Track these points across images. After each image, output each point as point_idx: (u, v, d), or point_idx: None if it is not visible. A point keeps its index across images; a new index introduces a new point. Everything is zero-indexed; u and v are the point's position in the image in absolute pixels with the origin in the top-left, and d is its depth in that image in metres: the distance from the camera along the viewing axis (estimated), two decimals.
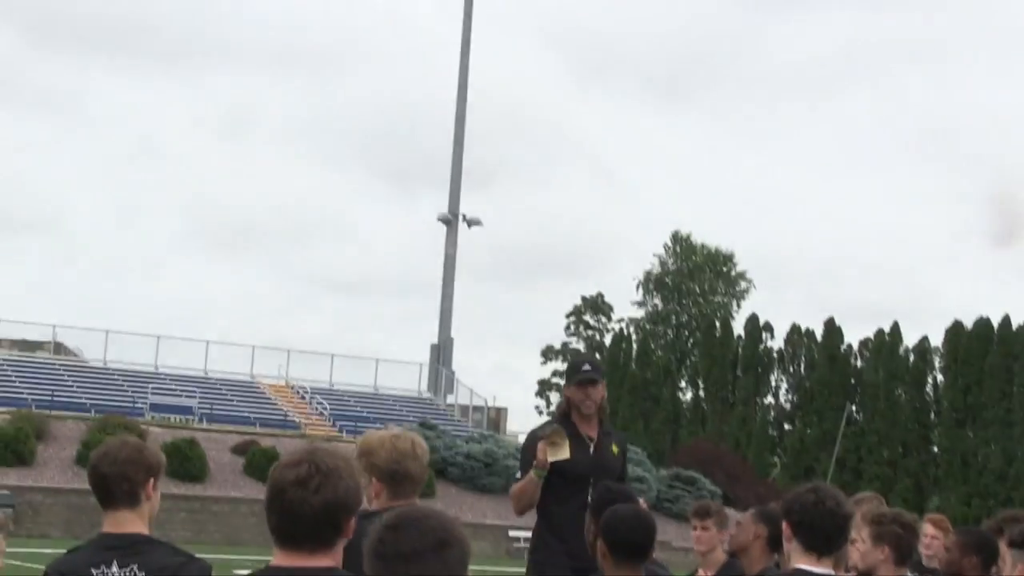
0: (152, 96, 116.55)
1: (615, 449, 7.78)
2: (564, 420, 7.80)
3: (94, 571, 4.54)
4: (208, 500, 37.78)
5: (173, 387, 50.74)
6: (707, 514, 7.52)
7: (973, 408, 64.25)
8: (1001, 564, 6.82)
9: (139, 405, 47.26)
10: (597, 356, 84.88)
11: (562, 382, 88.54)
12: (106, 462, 4.69)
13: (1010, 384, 63.33)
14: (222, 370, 54.77)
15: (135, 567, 4.55)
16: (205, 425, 46.42)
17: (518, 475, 7.90)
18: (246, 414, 49.86)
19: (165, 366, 53.19)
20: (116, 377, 51.28)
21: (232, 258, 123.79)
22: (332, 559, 3.46)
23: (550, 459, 7.41)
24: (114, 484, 4.65)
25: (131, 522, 4.66)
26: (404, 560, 2.99)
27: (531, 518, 7.81)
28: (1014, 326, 64.33)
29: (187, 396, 49.44)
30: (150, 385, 49.80)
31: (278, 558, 3.58)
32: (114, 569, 4.55)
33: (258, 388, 54.35)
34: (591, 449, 7.65)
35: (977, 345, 64.64)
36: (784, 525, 5.13)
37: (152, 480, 4.72)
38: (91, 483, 4.73)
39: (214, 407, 49.29)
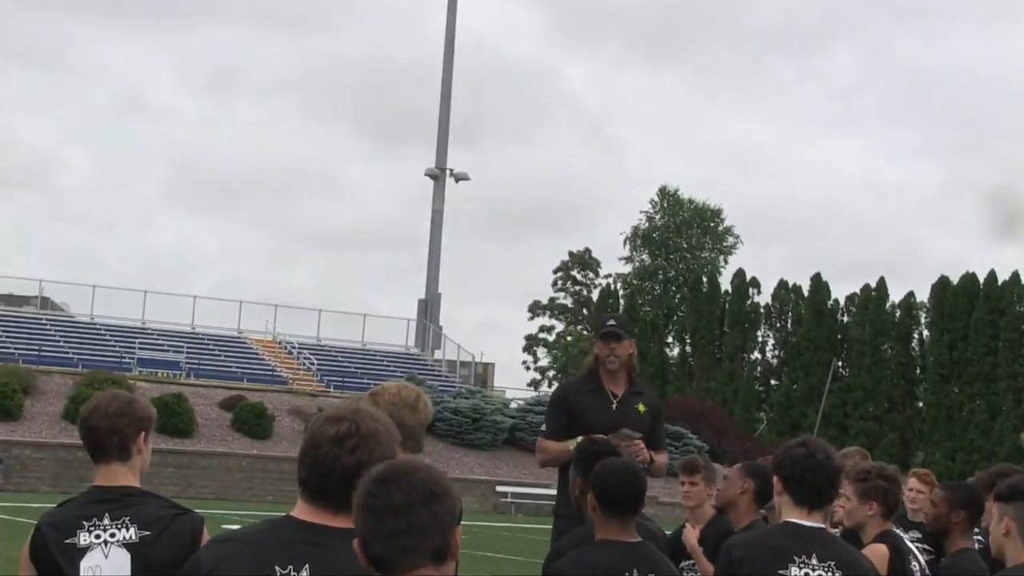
0: (139, 51, 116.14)
1: (641, 407, 7.78)
2: (591, 376, 7.88)
3: (86, 523, 4.54)
4: (196, 455, 37.85)
5: (160, 342, 50.73)
6: (695, 470, 7.54)
7: (959, 363, 64.49)
8: (987, 518, 6.86)
9: (126, 360, 47.24)
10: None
11: (550, 338, 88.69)
12: (96, 415, 4.68)
13: (995, 339, 63.55)
14: (209, 325, 54.77)
15: (127, 519, 4.55)
16: (192, 380, 46.43)
17: (544, 427, 7.99)
18: (233, 369, 49.87)
19: (152, 321, 53.18)
20: (103, 332, 51.24)
21: (219, 214, 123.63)
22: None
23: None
24: (105, 437, 4.64)
25: (122, 475, 4.66)
26: (394, 513, 3.00)
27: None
28: (1000, 281, 64.49)
29: (174, 351, 49.44)
30: (137, 340, 49.78)
31: (300, 511, 3.57)
32: (106, 521, 4.55)
33: (245, 343, 54.35)
34: (613, 405, 7.71)
35: (963, 300, 64.81)
36: (775, 479, 5.14)
37: (143, 433, 4.71)
38: (82, 437, 4.72)
39: (201, 362, 49.30)
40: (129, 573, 4.47)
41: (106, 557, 4.49)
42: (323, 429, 3.55)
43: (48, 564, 4.49)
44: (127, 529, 4.53)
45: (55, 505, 4.69)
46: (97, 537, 4.51)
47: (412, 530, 3.00)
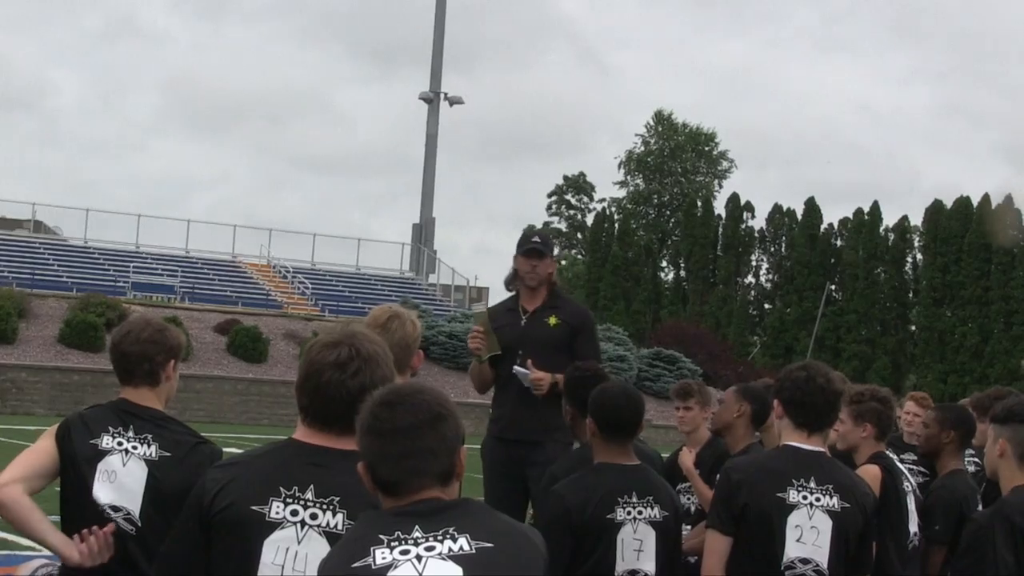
0: None
1: (552, 320, 7.67)
2: (512, 295, 7.87)
3: (111, 428, 4.59)
4: (191, 379, 37.91)
5: (154, 266, 50.66)
6: (689, 394, 7.54)
7: (951, 287, 64.62)
8: (981, 439, 6.93)
9: (120, 284, 47.19)
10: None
11: (550, 259, 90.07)
12: (128, 341, 4.71)
13: (988, 263, 63.63)
14: (204, 249, 54.71)
15: (150, 437, 4.59)
16: (187, 304, 46.42)
17: None
18: (228, 293, 49.85)
19: (146, 245, 53.05)
20: (97, 256, 51.16)
21: (213, 138, 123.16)
22: (355, 444, 3.48)
23: (484, 355, 7.59)
24: (135, 363, 4.68)
25: (149, 399, 4.70)
26: (401, 435, 3.02)
27: None
28: (994, 205, 64.44)
29: (168, 275, 49.39)
30: (131, 264, 49.69)
31: (302, 434, 3.58)
32: (130, 433, 4.60)
33: (240, 267, 54.30)
34: (523, 321, 7.68)
35: (956, 224, 64.80)
36: (775, 402, 5.17)
37: (172, 361, 4.75)
38: (112, 360, 4.75)
39: (196, 286, 49.28)
40: (143, 486, 4.51)
41: (124, 465, 4.53)
42: (322, 355, 3.55)
43: (69, 458, 4.53)
44: (148, 446, 4.57)
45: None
46: (119, 444, 4.56)
47: (419, 452, 3.02)
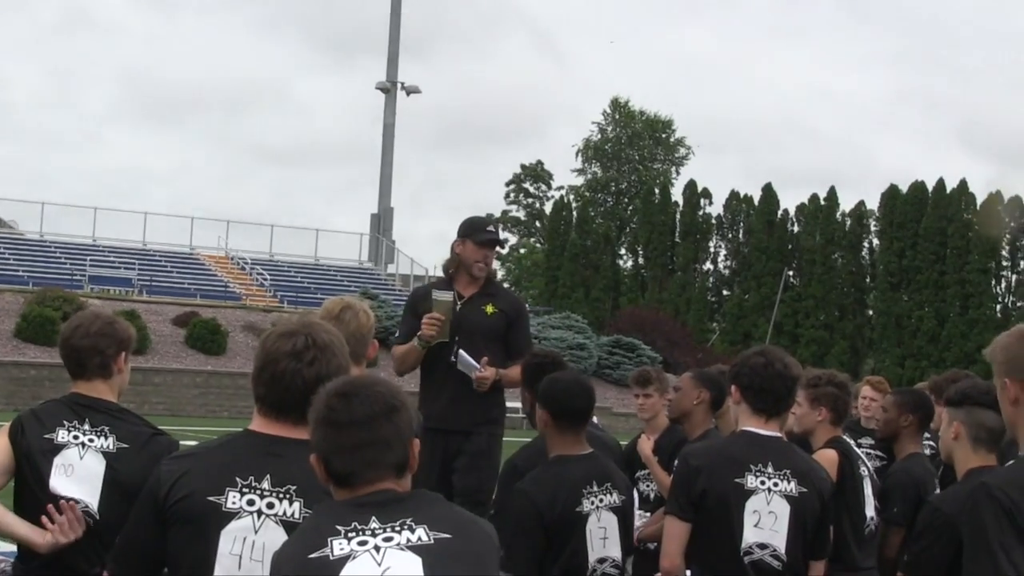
0: None
1: (489, 309, 7.50)
2: (446, 276, 7.61)
3: (66, 423, 4.57)
4: (150, 372, 37.72)
5: (112, 259, 50.34)
6: (648, 381, 7.54)
7: (908, 271, 64.97)
8: (938, 422, 6.97)
9: (78, 278, 46.88)
10: (537, 223, 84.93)
11: (503, 251, 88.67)
12: (78, 335, 4.72)
13: (944, 247, 63.99)
14: (161, 242, 54.40)
15: (106, 429, 4.58)
16: (145, 297, 46.18)
17: (397, 333, 7.71)
18: (186, 286, 49.61)
19: (103, 238, 52.75)
20: (53, 249, 50.79)
21: (169, 129, 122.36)
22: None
23: (432, 343, 7.30)
24: (86, 357, 4.68)
25: (103, 391, 4.70)
26: (356, 427, 3.02)
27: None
28: (948, 189, 64.84)
29: (126, 268, 49.09)
30: (88, 257, 49.37)
31: (258, 424, 3.58)
32: (86, 426, 4.58)
33: (198, 259, 54.04)
34: (458, 307, 7.44)
35: (912, 209, 65.14)
36: (732, 388, 5.19)
37: (123, 353, 4.78)
38: (63, 356, 4.75)
39: (154, 279, 49.00)
40: (102, 478, 4.51)
41: (81, 458, 4.52)
42: (278, 344, 3.55)
43: (24, 454, 4.51)
44: (105, 438, 4.57)
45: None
46: (75, 438, 4.55)
47: (375, 443, 3.02)
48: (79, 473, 4.50)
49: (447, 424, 7.31)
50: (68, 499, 4.45)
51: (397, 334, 7.64)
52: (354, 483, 3.03)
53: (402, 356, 7.45)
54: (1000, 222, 62.61)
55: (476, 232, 7.51)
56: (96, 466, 4.52)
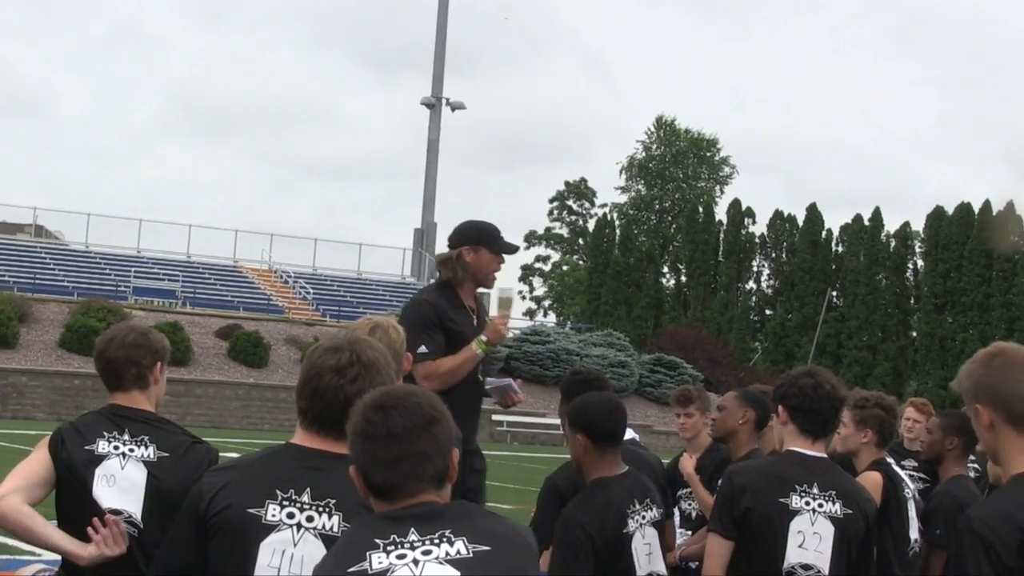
0: None
1: (488, 320, 6.98)
2: (447, 289, 6.98)
3: (106, 433, 4.59)
4: (192, 383, 37.95)
5: (156, 271, 50.68)
6: (689, 400, 7.49)
7: (952, 293, 64.58)
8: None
9: (122, 289, 47.20)
10: (580, 241, 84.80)
11: (545, 268, 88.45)
12: (113, 347, 4.73)
13: (989, 269, 63.60)
14: (205, 254, 54.75)
15: (147, 438, 4.60)
16: (188, 309, 46.44)
17: (423, 348, 6.64)
18: (229, 298, 49.86)
19: (148, 250, 53.12)
20: (98, 260, 51.16)
21: (215, 143, 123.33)
22: None
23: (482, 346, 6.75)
24: (123, 368, 4.70)
25: (141, 402, 4.72)
26: (396, 440, 3.00)
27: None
28: (994, 211, 64.42)
29: (170, 280, 49.40)
30: (133, 269, 49.71)
31: (300, 438, 3.58)
32: (126, 436, 4.60)
33: (241, 272, 54.31)
34: (474, 320, 6.93)
35: (957, 231, 64.77)
36: (780, 409, 5.15)
37: (159, 364, 4.78)
38: (99, 369, 4.77)
39: (197, 291, 49.29)
40: (144, 487, 4.52)
41: (122, 468, 4.54)
42: (323, 359, 3.56)
43: (65, 466, 4.53)
44: (146, 447, 4.59)
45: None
46: (116, 448, 4.58)
47: (414, 456, 3.00)
48: (121, 483, 4.51)
49: (470, 442, 6.79)
50: (112, 510, 4.46)
51: (425, 350, 6.66)
52: (394, 496, 3.01)
53: (456, 368, 6.70)
54: (1006, 236, 62.12)
55: (494, 240, 7.01)
56: (138, 475, 4.54)
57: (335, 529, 3.43)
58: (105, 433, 4.58)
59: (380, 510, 3.04)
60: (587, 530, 5.07)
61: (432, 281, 7.27)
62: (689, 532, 7.08)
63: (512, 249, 7.08)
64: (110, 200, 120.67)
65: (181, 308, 46.52)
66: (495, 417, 40.44)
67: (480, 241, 6.98)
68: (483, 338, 6.71)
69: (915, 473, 8.17)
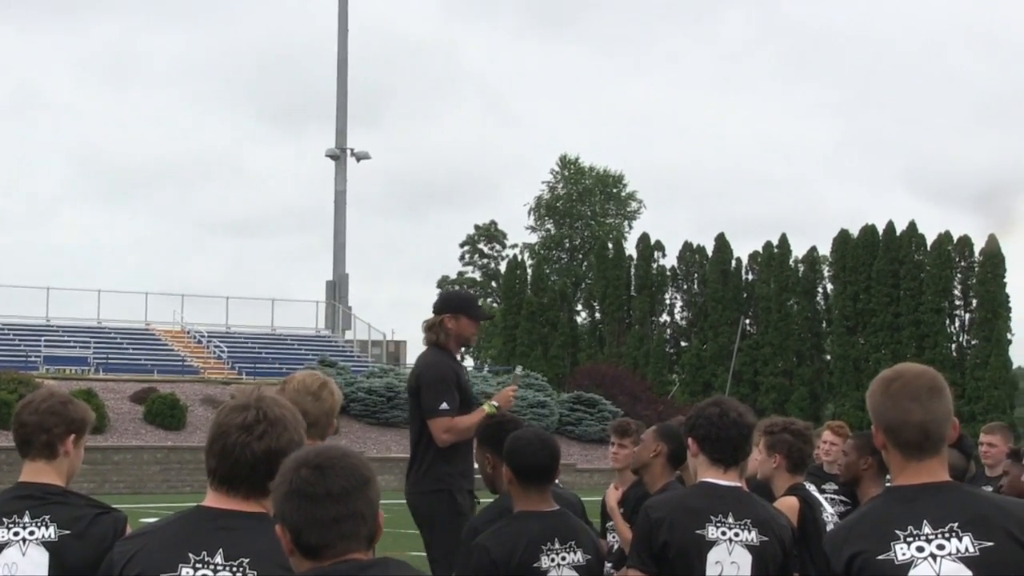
0: (34, 42, 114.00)
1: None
2: (443, 348, 7.97)
3: (6, 520, 4.47)
4: (109, 450, 37.37)
5: (66, 338, 49.99)
6: (625, 433, 7.73)
7: (863, 314, 65.37)
8: None
9: (32, 359, 46.50)
10: (493, 283, 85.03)
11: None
12: (27, 411, 4.63)
13: (897, 289, 64.49)
14: (116, 319, 54.10)
15: (47, 518, 4.48)
16: (102, 375, 45.81)
17: (445, 405, 7.76)
18: (143, 361, 49.30)
19: (57, 317, 52.38)
20: (6, 331, 50.37)
21: (121, 205, 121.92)
22: (263, 507, 3.46)
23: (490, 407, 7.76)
24: (32, 434, 4.59)
25: (46, 474, 4.58)
26: (334, 500, 2.99)
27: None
28: (898, 231, 65.42)
29: (81, 347, 48.74)
30: (42, 337, 49.00)
31: (211, 499, 3.58)
32: (26, 519, 4.49)
33: (154, 335, 53.75)
34: (460, 378, 8.05)
35: (864, 252, 65.64)
36: (689, 441, 5.21)
37: (73, 436, 4.64)
38: (13, 431, 4.65)
39: (110, 356, 48.67)
40: (47, 573, 4.42)
41: (23, 555, 4.42)
42: (229, 418, 3.56)
43: None
44: (46, 528, 4.47)
45: None
46: (16, 535, 4.45)
47: (352, 516, 3.01)
48: (23, 569, 4.40)
49: (474, 485, 7.75)
50: None
51: (443, 406, 7.75)
52: (325, 556, 3.02)
53: (472, 427, 7.47)
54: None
55: (472, 308, 8.05)
56: (40, 559, 4.41)
57: None
58: (5, 520, 4.46)
59: (303, 568, 3.04)
60: (492, 557, 5.08)
61: (426, 348, 8.17)
62: (610, 565, 7.13)
63: (487, 316, 8.36)
64: (15, 269, 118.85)
65: (94, 374, 45.89)
66: None
67: (460, 309, 7.97)
68: (495, 403, 7.73)
69: (836, 496, 8.26)
